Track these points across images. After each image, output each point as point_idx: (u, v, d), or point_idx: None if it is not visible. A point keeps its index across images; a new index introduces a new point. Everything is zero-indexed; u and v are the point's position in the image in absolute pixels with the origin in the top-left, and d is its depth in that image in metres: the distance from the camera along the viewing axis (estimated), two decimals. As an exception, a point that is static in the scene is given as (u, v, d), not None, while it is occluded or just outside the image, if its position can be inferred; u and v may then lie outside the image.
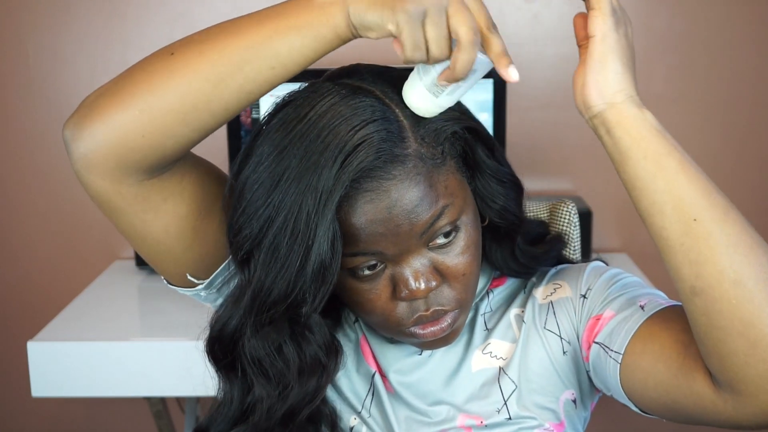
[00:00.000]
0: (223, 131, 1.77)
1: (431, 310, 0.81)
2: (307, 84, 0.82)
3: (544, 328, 0.89)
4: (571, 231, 1.14)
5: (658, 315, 0.81)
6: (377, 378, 0.90)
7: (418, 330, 0.82)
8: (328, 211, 0.73)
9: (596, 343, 0.84)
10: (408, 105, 0.76)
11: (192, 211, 0.81)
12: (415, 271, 0.79)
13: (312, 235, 0.73)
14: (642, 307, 0.82)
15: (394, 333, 0.84)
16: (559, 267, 0.95)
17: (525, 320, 0.90)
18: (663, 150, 0.76)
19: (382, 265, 0.79)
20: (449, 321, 0.83)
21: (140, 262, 1.81)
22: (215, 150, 1.88)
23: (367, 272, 0.79)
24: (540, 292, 0.91)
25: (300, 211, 0.73)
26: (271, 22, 0.72)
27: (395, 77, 0.79)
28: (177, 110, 0.72)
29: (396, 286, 0.80)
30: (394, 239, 0.77)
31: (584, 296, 0.88)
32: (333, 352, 0.84)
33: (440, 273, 0.80)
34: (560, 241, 0.97)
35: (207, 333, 0.83)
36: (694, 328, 0.73)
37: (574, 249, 1.16)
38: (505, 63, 0.73)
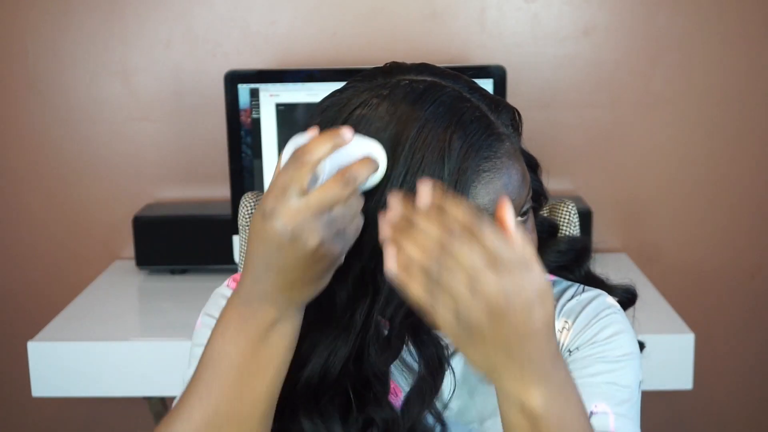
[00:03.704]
0: (223, 131, 1.77)
1: None
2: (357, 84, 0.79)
3: None
4: (571, 231, 1.14)
5: None
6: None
7: None
8: (462, 196, 0.72)
9: None
10: None
11: None
12: None
13: None
14: (590, 415, 0.78)
15: None
16: (580, 295, 0.88)
17: None
18: None
19: None
20: None
21: (140, 262, 1.81)
22: (215, 150, 1.88)
23: None
24: (558, 326, 0.86)
25: None
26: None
27: (435, 69, 0.79)
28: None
29: None
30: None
31: (571, 352, 0.85)
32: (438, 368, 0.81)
33: None
34: (583, 247, 0.94)
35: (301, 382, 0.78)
36: None
37: (574, 249, 1.16)
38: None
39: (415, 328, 0.78)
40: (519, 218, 0.79)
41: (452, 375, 0.85)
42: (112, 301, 1.74)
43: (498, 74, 1.70)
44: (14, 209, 1.97)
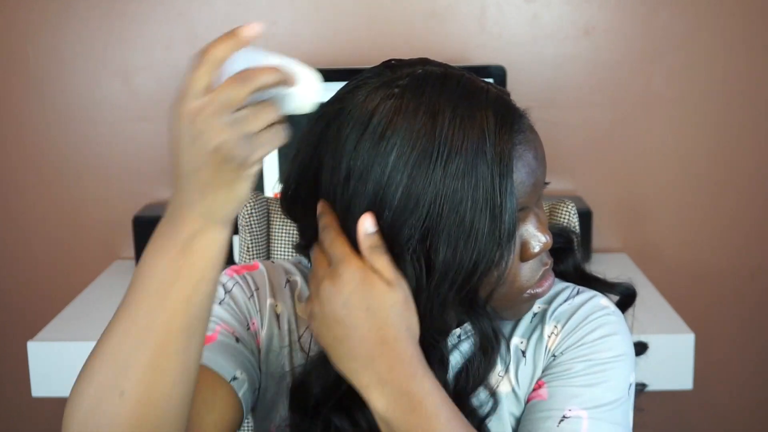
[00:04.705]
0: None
1: (550, 262, 0.81)
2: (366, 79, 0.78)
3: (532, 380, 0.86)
4: (571, 231, 1.14)
5: None
6: None
7: (536, 290, 0.81)
8: (507, 169, 0.73)
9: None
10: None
11: None
12: (539, 223, 0.79)
13: (497, 197, 0.73)
14: (561, 419, 0.78)
15: (513, 301, 0.81)
16: (573, 299, 0.88)
17: (526, 356, 0.86)
18: None
19: None
20: (552, 273, 0.83)
21: (140, 262, 1.81)
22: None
23: None
24: (547, 332, 0.86)
25: (476, 177, 0.72)
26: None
27: (436, 62, 0.80)
28: None
29: (524, 245, 0.78)
30: (535, 191, 0.77)
31: (555, 357, 0.84)
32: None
33: None
34: (570, 236, 0.94)
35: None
36: None
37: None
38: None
39: (470, 301, 0.77)
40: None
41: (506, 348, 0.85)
42: (112, 301, 1.72)
43: (498, 74, 1.70)
44: (14, 209, 1.97)
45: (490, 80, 1.68)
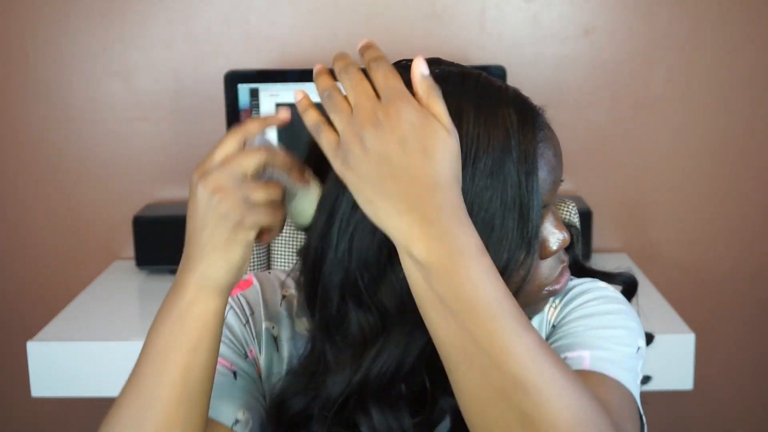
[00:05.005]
0: (223, 131, 1.77)
1: (567, 259, 0.81)
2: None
3: None
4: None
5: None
6: None
7: (554, 287, 0.80)
8: (533, 167, 0.73)
9: None
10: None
11: None
12: (557, 220, 0.79)
13: (525, 195, 0.72)
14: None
15: (532, 299, 0.80)
16: (571, 281, 0.88)
17: None
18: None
19: None
20: (568, 269, 0.82)
21: (140, 262, 1.81)
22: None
23: None
24: (546, 306, 0.86)
25: (504, 175, 0.71)
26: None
27: (448, 62, 0.80)
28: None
29: (544, 242, 0.78)
30: (554, 188, 0.77)
31: (554, 326, 0.85)
32: None
33: None
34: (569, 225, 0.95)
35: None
36: None
37: (574, 249, 1.16)
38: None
39: None
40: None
41: None
42: (112, 301, 1.74)
43: (498, 75, 1.70)
44: (14, 209, 1.97)
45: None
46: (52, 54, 1.91)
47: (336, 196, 0.71)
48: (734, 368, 2.02)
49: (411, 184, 0.66)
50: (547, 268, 0.79)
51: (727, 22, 1.88)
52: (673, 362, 1.55)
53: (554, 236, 0.78)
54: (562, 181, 0.80)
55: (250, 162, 0.69)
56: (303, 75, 1.71)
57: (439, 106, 0.68)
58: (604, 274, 0.94)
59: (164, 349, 0.71)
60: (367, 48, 0.71)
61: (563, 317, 0.85)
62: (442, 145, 0.67)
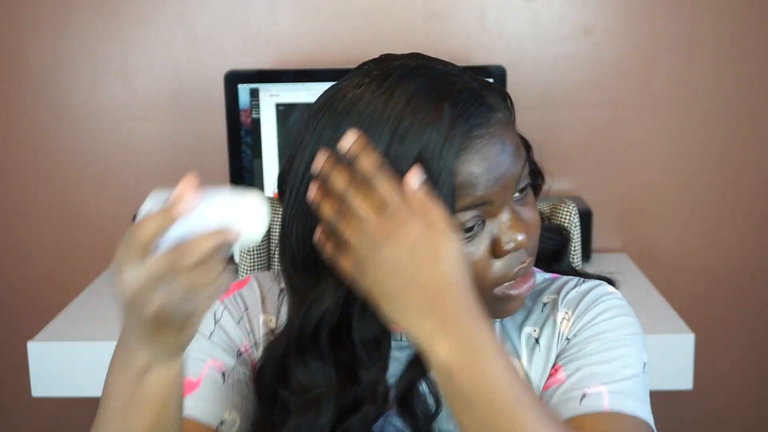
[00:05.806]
0: (223, 131, 1.77)
1: (528, 261, 0.81)
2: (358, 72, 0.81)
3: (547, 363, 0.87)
4: (571, 231, 1.14)
5: (589, 417, 0.78)
6: None
7: (511, 291, 0.80)
8: (449, 163, 0.73)
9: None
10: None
11: None
12: (514, 220, 0.78)
13: (435, 190, 0.73)
14: (582, 397, 0.79)
15: (486, 299, 0.79)
16: (580, 286, 0.90)
17: (540, 344, 0.87)
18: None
19: (480, 222, 0.78)
20: (533, 276, 0.83)
21: (140, 262, 1.81)
22: (215, 150, 1.88)
23: (466, 232, 0.77)
24: (559, 318, 0.88)
25: (424, 141, 0.73)
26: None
27: (426, 56, 0.82)
28: None
29: (496, 241, 0.78)
30: (503, 184, 0.76)
31: (569, 340, 0.86)
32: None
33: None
34: (566, 235, 0.96)
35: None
36: None
37: (574, 249, 1.16)
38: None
39: None
40: (517, 194, 0.80)
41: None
42: (112, 301, 1.74)
43: (498, 74, 1.70)
44: (14, 209, 1.97)
45: (490, 80, 1.68)
46: (51, 54, 1.91)
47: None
48: (734, 368, 2.02)
49: (424, 290, 0.69)
50: (500, 266, 0.79)
51: (727, 22, 1.88)
52: (673, 362, 1.55)
53: (507, 236, 0.78)
54: (535, 183, 0.81)
55: (174, 267, 0.64)
56: (303, 75, 1.71)
57: (435, 213, 0.70)
58: (585, 275, 0.95)
59: (126, 404, 0.72)
60: (359, 151, 0.72)
61: (576, 332, 0.85)
62: (447, 247, 0.70)
